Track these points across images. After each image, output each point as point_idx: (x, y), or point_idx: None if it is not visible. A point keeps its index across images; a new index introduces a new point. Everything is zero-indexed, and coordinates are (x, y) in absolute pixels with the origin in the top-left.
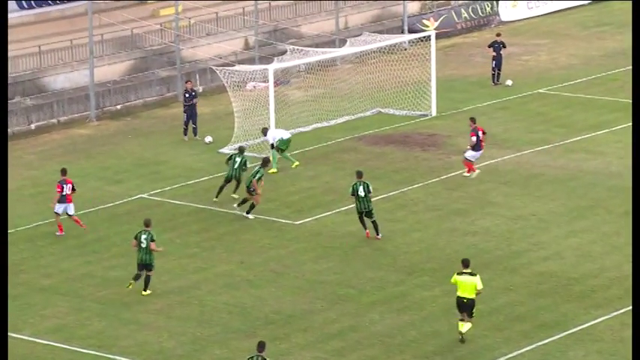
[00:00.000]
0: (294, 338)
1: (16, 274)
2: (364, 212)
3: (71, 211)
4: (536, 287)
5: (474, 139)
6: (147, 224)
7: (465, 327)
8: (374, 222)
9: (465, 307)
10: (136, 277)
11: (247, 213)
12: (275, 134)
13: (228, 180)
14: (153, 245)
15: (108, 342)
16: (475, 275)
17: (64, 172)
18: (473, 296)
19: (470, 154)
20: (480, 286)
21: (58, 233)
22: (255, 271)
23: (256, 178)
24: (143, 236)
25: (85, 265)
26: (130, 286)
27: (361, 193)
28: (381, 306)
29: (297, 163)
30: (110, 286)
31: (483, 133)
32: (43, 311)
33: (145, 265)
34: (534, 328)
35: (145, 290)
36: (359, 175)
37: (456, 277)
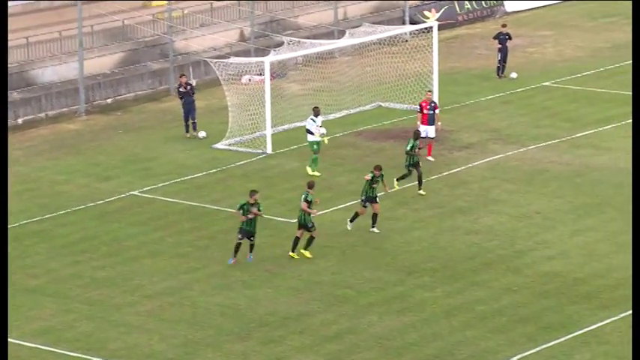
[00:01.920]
0: (289, 341)
1: None
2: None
3: None
4: (540, 288)
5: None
6: (309, 186)
7: None
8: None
9: None
10: (294, 246)
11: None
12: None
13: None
14: (303, 205)
15: (96, 345)
16: None
17: None
18: None
19: (433, 131)
20: None
21: None
22: (250, 271)
23: (408, 147)
24: (302, 196)
25: (72, 265)
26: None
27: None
28: (380, 307)
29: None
30: (99, 286)
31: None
32: (29, 313)
33: (302, 225)
34: (539, 330)
35: (305, 249)
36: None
37: None
